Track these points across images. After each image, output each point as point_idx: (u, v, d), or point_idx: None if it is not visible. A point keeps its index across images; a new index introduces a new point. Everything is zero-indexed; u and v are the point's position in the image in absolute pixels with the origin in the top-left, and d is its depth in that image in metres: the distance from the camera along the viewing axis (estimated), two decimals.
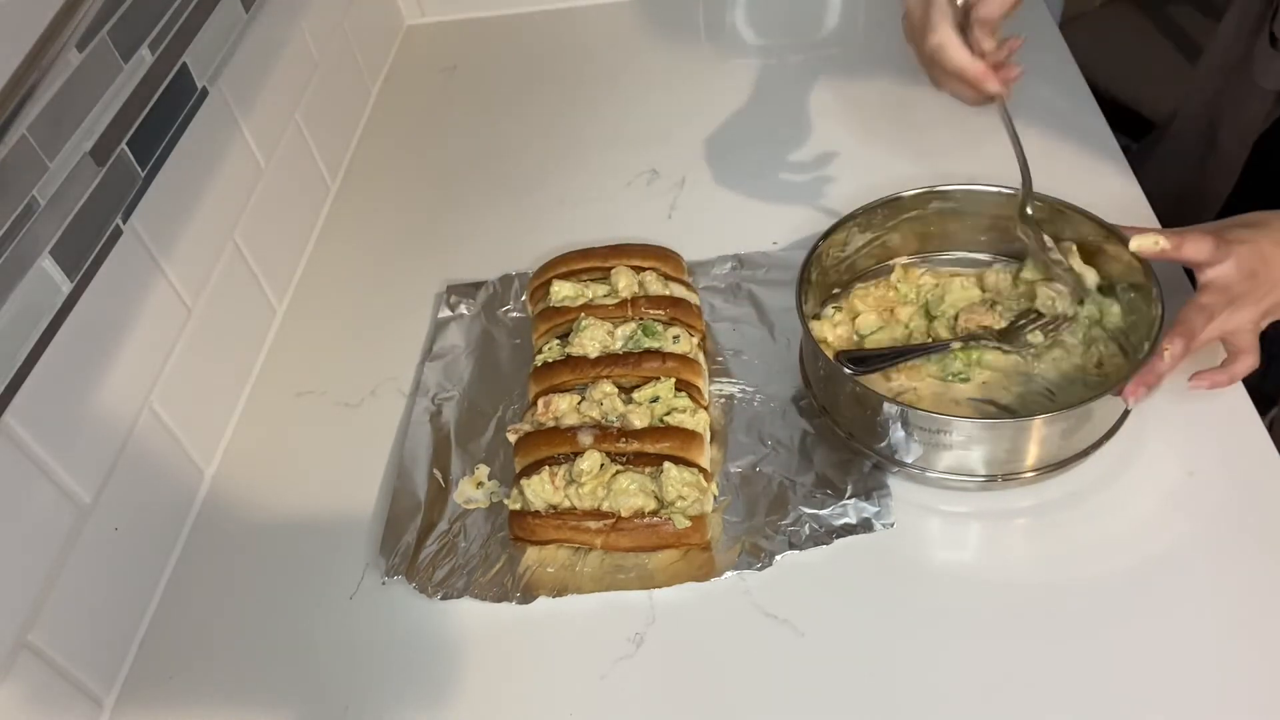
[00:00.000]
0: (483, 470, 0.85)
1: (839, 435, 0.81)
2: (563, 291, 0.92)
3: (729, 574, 0.76)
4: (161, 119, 0.87)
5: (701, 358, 0.88)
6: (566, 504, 0.78)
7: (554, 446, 0.80)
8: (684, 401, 0.83)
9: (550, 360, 0.87)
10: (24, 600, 0.69)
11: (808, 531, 0.77)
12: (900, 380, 0.84)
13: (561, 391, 0.85)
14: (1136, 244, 0.76)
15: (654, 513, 0.77)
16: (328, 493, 0.87)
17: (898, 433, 0.76)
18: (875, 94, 1.17)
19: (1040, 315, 0.85)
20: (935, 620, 0.72)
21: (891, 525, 0.77)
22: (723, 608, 0.74)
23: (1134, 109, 1.52)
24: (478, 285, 1.02)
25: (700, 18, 1.38)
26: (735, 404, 0.87)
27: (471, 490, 0.84)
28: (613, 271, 0.93)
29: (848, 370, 0.81)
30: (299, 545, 0.84)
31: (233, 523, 0.87)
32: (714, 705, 0.70)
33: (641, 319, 0.89)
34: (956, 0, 0.78)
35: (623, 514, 0.77)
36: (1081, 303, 0.84)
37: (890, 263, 0.92)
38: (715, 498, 0.79)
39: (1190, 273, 0.79)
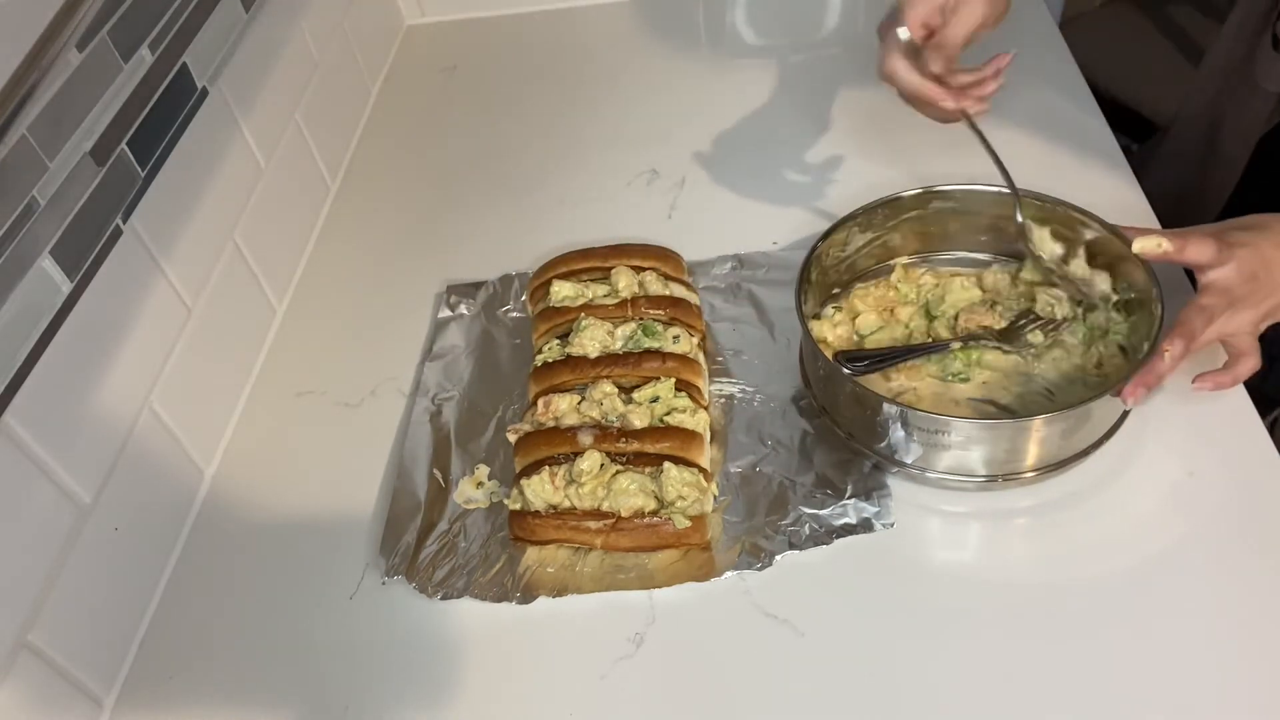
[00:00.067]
0: (483, 470, 0.85)
1: (839, 435, 0.81)
2: (563, 291, 0.92)
3: (729, 574, 0.76)
4: (161, 119, 0.87)
5: (701, 358, 0.88)
6: (566, 504, 0.78)
7: (554, 446, 0.80)
8: (684, 401, 0.83)
9: (550, 360, 0.87)
10: (24, 600, 0.69)
11: (808, 531, 0.77)
12: (900, 380, 0.84)
13: (561, 391, 0.85)
14: (1139, 245, 0.76)
15: (654, 513, 0.77)
16: (328, 493, 0.87)
17: (897, 433, 0.76)
18: (875, 94, 1.16)
19: (1040, 315, 0.85)
20: (935, 620, 0.72)
21: (891, 525, 0.77)
22: (723, 608, 0.74)
23: (1134, 109, 1.52)
24: (478, 285, 1.02)
25: (700, 18, 1.38)
26: (735, 404, 0.87)
27: (471, 490, 0.84)
28: (613, 271, 0.93)
29: (847, 370, 0.81)
30: (299, 545, 0.84)
31: (233, 523, 0.87)
32: (714, 705, 0.70)
33: (641, 319, 0.89)
34: (900, 35, 0.82)
35: (623, 514, 0.77)
36: (1093, 309, 0.83)
37: (890, 263, 0.92)
38: (715, 498, 0.79)
39: (1190, 274, 0.79)
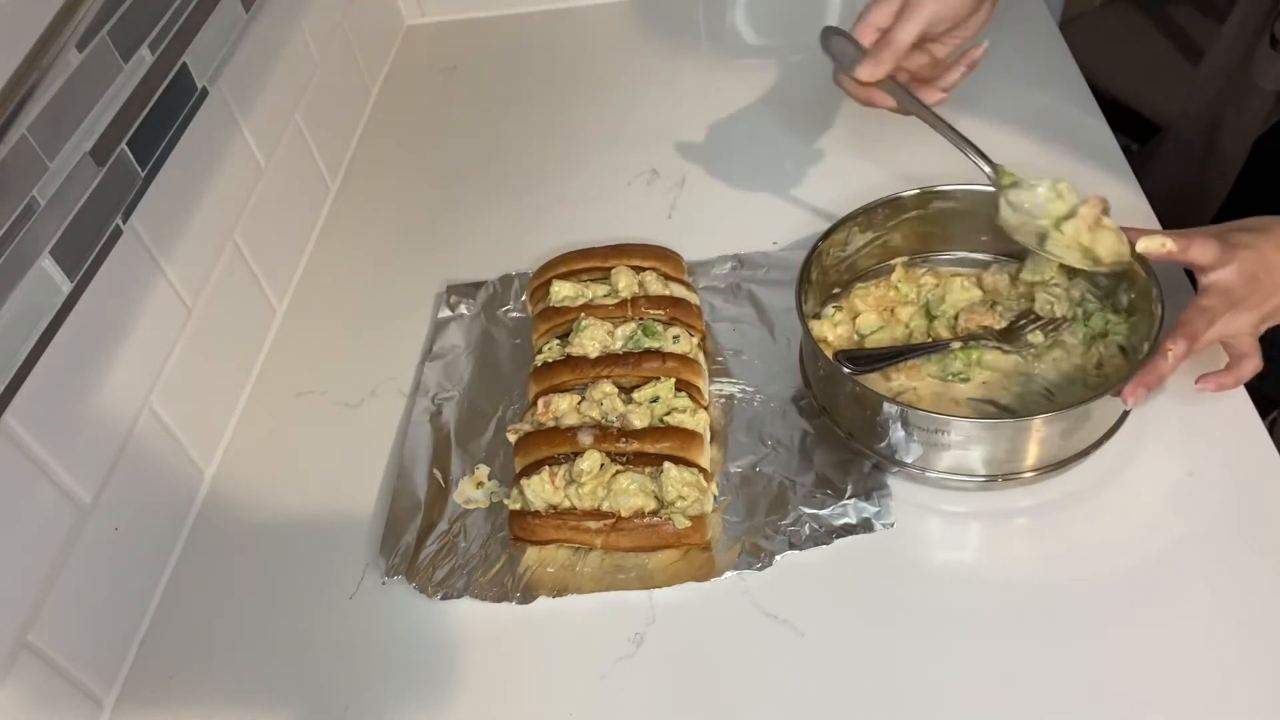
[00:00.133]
0: (483, 470, 0.85)
1: (839, 435, 0.81)
2: (563, 291, 0.92)
3: (729, 574, 0.76)
4: (161, 119, 0.87)
5: (701, 358, 0.88)
6: (566, 504, 0.78)
7: (554, 446, 0.80)
8: (684, 401, 0.83)
9: (550, 360, 0.87)
10: (24, 600, 0.69)
11: (808, 531, 0.77)
12: (900, 380, 0.84)
13: (561, 391, 0.85)
14: (1144, 245, 0.76)
15: (654, 513, 0.77)
16: (328, 493, 0.87)
17: (897, 433, 0.76)
18: None
19: (1040, 315, 0.85)
20: (935, 620, 0.72)
21: (891, 525, 0.77)
22: (723, 608, 0.74)
23: (1135, 109, 1.52)
24: (478, 285, 1.02)
25: (700, 18, 1.38)
26: (735, 404, 0.87)
27: (471, 490, 0.84)
28: (613, 271, 0.93)
29: (847, 370, 0.81)
30: (299, 545, 0.84)
31: (233, 523, 0.87)
32: (714, 705, 0.70)
33: (641, 319, 0.89)
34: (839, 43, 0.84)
35: (623, 514, 0.77)
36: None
37: (890, 263, 0.92)
38: (715, 498, 0.79)
39: (1191, 274, 0.79)
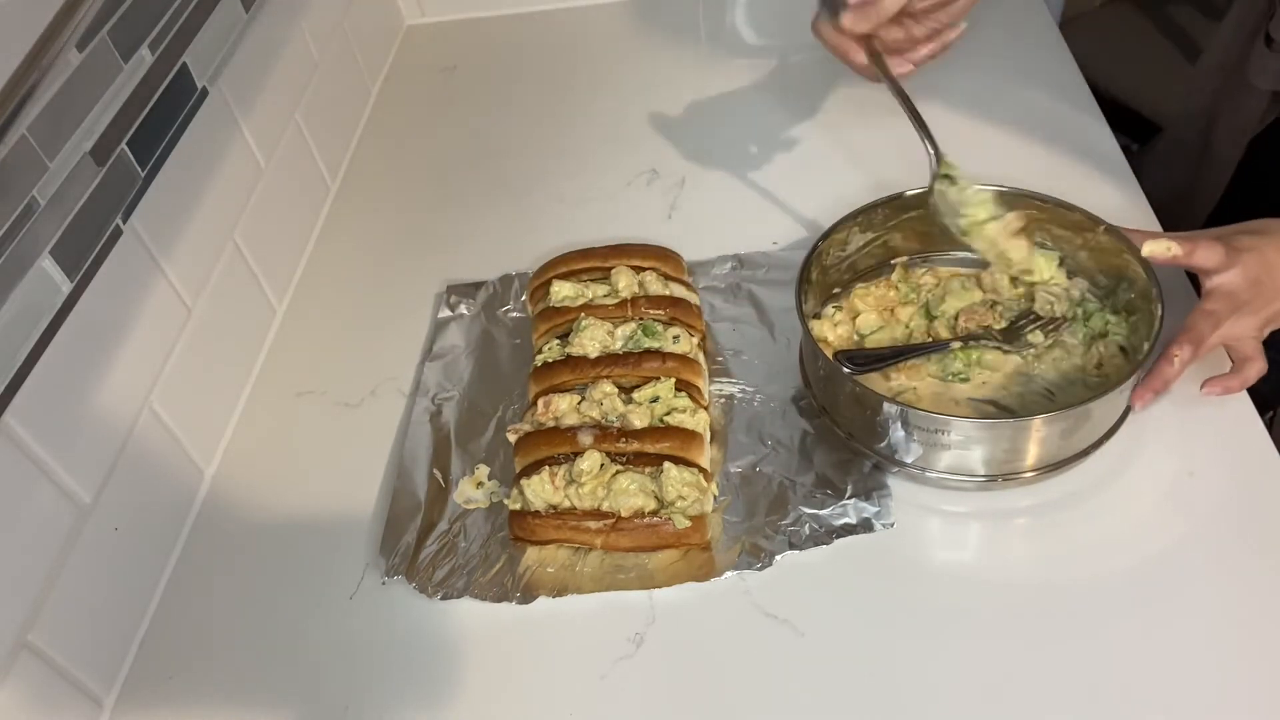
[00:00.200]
0: (483, 470, 0.85)
1: (839, 435, 0.81)
2: (563, 291, 0.92)
3: (729, 574, 0.76)
4: (161, 119, 0.87)
5: (701, 358, 0.88)
6: (566, 504, 0.78)
7: (554, 446, 0.80)
8: (684, 401, 0.83)
9: (550, 360, 0.87)
10: (24, 600, 0.69)
11: (808, 531, 0.77)
12: (900, 380, 0.84)
13: (561, 391, 0.85)
14: (1149, 249, 0.77)
15: (654, 513, 0.77)
16: (328, 493, 0.87)
17: (897, 433, 0.76)
18: (876, 93, 1.17)
19: (1040, 315, 0.85)
20: (935, 620, 0.72)
21: (891, 525, 0.77)
22: (723, 608, 0.74)
23: (1134, 109, 1.52)
24: (478, 285, 1.02)
25: (700, 18, 1.38)
26: (735, 404, 0.87)
27: (471, 490, 0.84)
28: (613, 271, 0.93)
29: (847, 370, 0.81)
30: (299, 545, 0.84)
31: (233, 523, 0.87)
32: (714, 705, 0.70)
33: (641, 319, 0.89)
34: None
35: (623, 514, 0.77)
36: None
37: (890, 263, 0.92)
38: (715, 498, 0.79)
39: (1193, 276, 0.79)
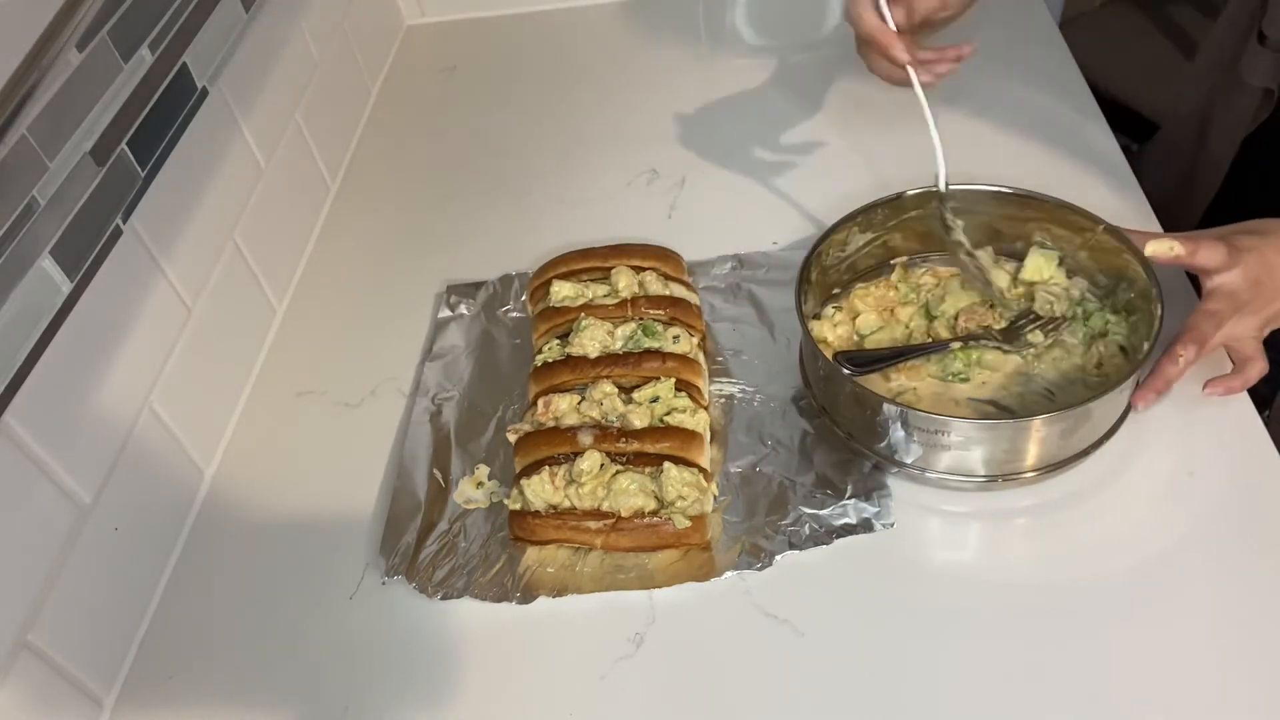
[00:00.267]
0: (483, 470, 0.85)
1: (839, 435, 0.81)
2: (563, 291, 0.92)
3: (729, 574, 0.76)
4: (161, 119, 0.87)
5: (701, 358, 0.88)
6: (566, 504, 0.78)
7: (554, 446, 0.80)
8: (684, 401, 0.83)
9: (550, 360, 0.87)
10: (24, 600, 0.69)
11: (808, 531, 0.77)
12: (900, 380, 0.84)
13: (561, 391, 0.85)
14: (1152, 249, 0.77)
15: (654, 513, 0.77)
16: (328, 493, 0.87)
17: (897, 433, 0.76)
18: (876, 94, 1.17)
19: (1040, 315, 0.85)
20: (935, 620, 0.72)
21: (891, 525, 0.77)
22: (723, 608, 0.74)
23: (1134, 109, 1.52)
24: (478, 285, 1.02)
25: (700, 18, 1.38)
26: (735, 404, 0.87)
27: (471, 490, 0.84)
28: (613, 271, 0.93)
29: (847, 370, 0.81)
30: (299, 545, 0.84)
31: (233, 523, 0.87)
32: (714, 705, 0.70)
33: (641, 319, 0.89)
34: None
35: (623, 514, 0.77)
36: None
37: (890, 263, 0.92)
38: (715, 498, 0.79)
39: (1193, 276, 0.79)
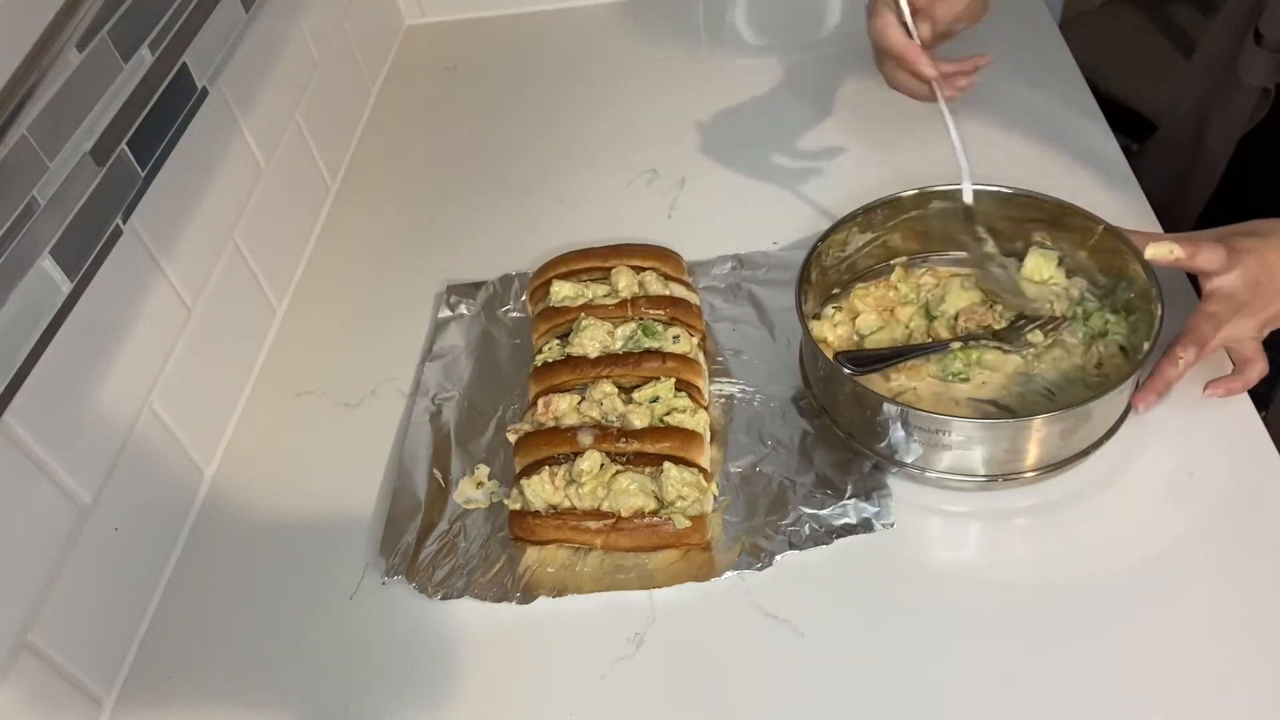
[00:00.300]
0: (483, 470, 0.85)
1: (839, 435, 0.81)
2: (563, 291, 0.92)
3: (729, 574, 0.76)
4: (161, 119, 0.87)
5: (701, 358, 0.88)
6: (566, 504, 0.78)
7: (554, 446, 0.80)
8: (684, 401, 0.83)
9: (550, 360, 0.87)
10: (24, 600, 0.69)
11: (808, 531, 0.77)
12: (900, 380, 0.84)
13: (561, 391, 0.85)
14: (1151, 251, 0.77)
15: (654, 513, 0.77)
16: (328, 492, 0.87)
17: (897, 433, 0.76)
18: (875, 94, 1.17)
19: (1040, 315, 0.85)
20: (935, 620, 0.72)
21: (891, 525, 0.77)
22: (723, 608, 0.74)
23: (1134, 109, 1.52)
24: (478, 285, 1.02)
25: (700, 18, 1.38)
26: (735, 404, 0.87)
27: (471, 490, 0.84)
28: (613, 271, 0.93)
29: (847, 370, 0.81)
30: (299, 545, 0.84)
31: (233, 523, 0.87)
32: (714, 705, 0.70)
33: (641, 319, 0.89)
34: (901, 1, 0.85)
35: (623, 514, 0.77)
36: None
37: (890, 263, 0.92)
38: (715, 498, 0.79)
39: (1193, 277, 0.79)
